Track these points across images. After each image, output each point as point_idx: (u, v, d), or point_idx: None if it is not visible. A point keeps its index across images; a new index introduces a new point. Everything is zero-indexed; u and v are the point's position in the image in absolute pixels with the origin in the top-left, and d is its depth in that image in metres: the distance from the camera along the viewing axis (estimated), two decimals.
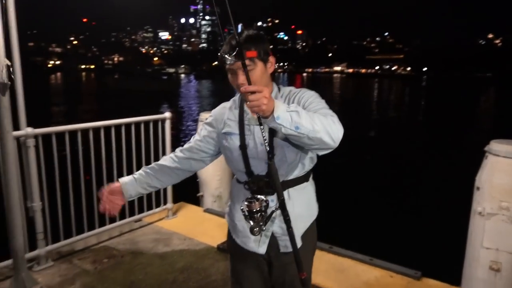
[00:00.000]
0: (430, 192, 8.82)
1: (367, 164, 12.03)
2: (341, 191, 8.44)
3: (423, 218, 7.12)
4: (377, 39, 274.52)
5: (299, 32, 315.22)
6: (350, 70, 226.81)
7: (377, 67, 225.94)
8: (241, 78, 1.51)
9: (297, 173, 1.65)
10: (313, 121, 1.32)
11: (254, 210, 1.45)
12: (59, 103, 32.01)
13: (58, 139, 3.20)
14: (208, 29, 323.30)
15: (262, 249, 1.68)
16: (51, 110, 26.02)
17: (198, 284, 2.98)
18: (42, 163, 3.10)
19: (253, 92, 1.26)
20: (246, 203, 1.47)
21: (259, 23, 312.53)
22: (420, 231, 6.28)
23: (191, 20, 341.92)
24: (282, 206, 1.44)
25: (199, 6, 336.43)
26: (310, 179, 1.76)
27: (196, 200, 4.74)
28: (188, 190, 4.95)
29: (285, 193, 1.62)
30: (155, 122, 4.02)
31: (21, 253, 2.79)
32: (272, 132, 1.56)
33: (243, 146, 1.63)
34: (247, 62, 1.43)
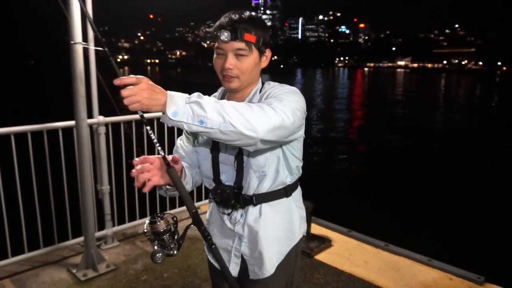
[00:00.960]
0: (495, 193, 8.27)
1: (426, 167, 11.50)
2: (400, 188, 8.18)
3: (487, 220, 6.71)
4: (446, 31, 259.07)
5: (362, 25, 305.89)
6: (415, 65, 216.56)
7: (444, 62, 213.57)
8: (230, 61, 1.30)
9: (269, 184, 1.39)
10: (224, 111, 1.07)
11: (161, 231, 1.20)
12: None
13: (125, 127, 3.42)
14: (269, 24, 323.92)
15: (233, 270, 1.45)
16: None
17: None
18: (111, 149, 3.35)
19: (126, 85, 1.04)
20: (148, 222, 1.21)
21: (320, 16, 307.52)
22: (484, 233, 5.94)
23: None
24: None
25: (260, 1, 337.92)
26: (295, 194, 1.48)
27: None
28: None
29: (256, 209, 1.41)
30: None
31: (92, 231, 3.04)
32: None
33: (214, 149, 1.42)
34: (242, 46, 1.29)
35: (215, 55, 1.34)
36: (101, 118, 3.19)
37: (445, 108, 29.53)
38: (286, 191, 1.43)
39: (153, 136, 1.16)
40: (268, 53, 1.40)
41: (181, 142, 1.53)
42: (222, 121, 1.06)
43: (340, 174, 10.14)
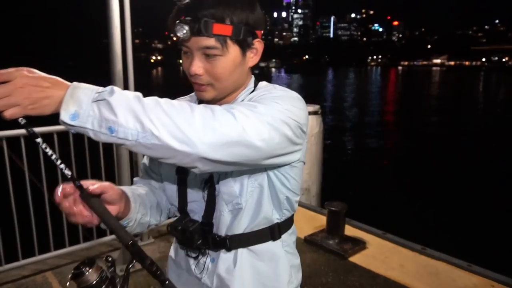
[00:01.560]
0: None
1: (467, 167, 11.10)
2: (437, 189, 7.94)
3: None
4: (486, 27, 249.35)
5: (395, 23, 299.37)
6: (451, 63, 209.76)
7: (483, 59, 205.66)
8: (197, 64, 0.94)
9: (247, 222, 1.02)
10: (145, 114, 0.74)
11: (93, 283, 0.85)
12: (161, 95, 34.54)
13: None
14: (300, 23, 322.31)
15: None
16: None
17: None
18: None
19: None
20: (70, 276, 0.85)
21: (353, 15, 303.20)
22: None
23: (284, 14, 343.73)
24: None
25: (292, 0, 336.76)
26: (286, 237, 1.10)
27: None
28: None
29: (230, 255, 1.04)
30: None
31: None
32: None
33: (181, 169, 1.06)
34: (212, 43, 0.90)
35: (182, 53, 0.98)
36: None
37: (485, 106, 28.41)
38: (272, 233, 1.05)
39: (50, 152, 0.80)
40: (258, 44, 0.99)
41: (146, 160, 1.19)
42: (141, 130, 0.74)
43: (374, 174, 9.94)
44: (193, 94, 1.13)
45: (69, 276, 0.85)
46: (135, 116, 0.74)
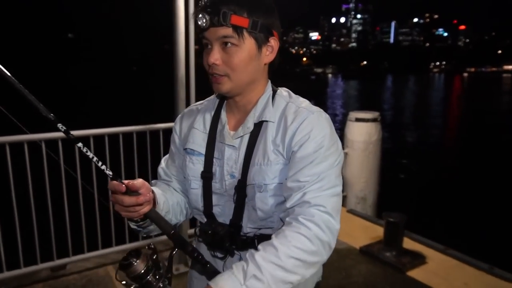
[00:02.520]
0: None
1: None
2: (506, 203, 7.37)
3: None
4: None
5: (462, 27, 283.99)
6: None
7: None
8: (215, 54, 1.00)
9: (276, 225, 1.06)
10: (285, 276, 0.89)
11: (141, 272, 0.90)
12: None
13: None
14: (359, 28, 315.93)
15: None
16: None
17: (339, 283, 2.97)
18: None
19: None
20: (119, 267, 0.92)
21: (415, 19, 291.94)
22: None
23: (342, 20, 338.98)
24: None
25: (351, 5, 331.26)
26: None
27: None
28: None
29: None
30: None
31: (185, 228, 3.21)
32: (247, 161, 1.05)
33: (206, 174, 1.11)
34: (229, 32, 0.97)
35: (204, 51, 1.05)
36: None
37: None
38: None
39: (91, 155, 0.93)
40: (273, 42, 1.05)
41: (164, 165, 1.24)
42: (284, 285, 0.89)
43: (436, 184, 9.43)
44: (210, 98, 1.19)
45: (118, 268, 0.91)
46: (279, 280, 0.88)
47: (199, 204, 1.13)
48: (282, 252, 0.89)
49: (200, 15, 0.97)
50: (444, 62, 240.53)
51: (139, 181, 0.96)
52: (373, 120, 4.45)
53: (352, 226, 4.02)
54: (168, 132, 3.25)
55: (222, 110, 1.13)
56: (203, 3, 0.99)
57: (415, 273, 3.08)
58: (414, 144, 16.11)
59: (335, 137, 1.04)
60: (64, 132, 0.89)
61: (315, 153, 0.99)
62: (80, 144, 0.90)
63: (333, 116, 24.06)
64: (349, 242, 3.61)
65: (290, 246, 0.90)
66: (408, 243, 3.48)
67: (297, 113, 1.04)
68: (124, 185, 0.93)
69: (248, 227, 1.07)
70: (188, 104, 3.03)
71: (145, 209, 0.97)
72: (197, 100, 1.31)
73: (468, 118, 24.71)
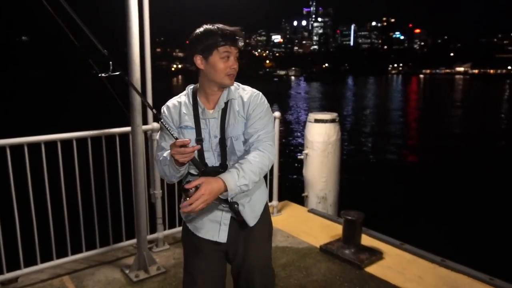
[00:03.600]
0: None
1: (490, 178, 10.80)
2: (458, 198, 7.73)
3: None
4: None
5: (417, 30, 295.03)
6: (475, 71, 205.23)
7: (509, 67, 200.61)
8: (236, 63, 1.69)
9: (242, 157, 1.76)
10: (255, 176, 1.64)
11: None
12: None
13: None
14: (320, 31, 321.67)
15: (222, 237, 1.79)
16: None
17: (299, 282, 3.01)
18: None
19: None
20: (185, 183, 1.66)
21: (373, 23, 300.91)
22: None
23: (304, 23, 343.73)
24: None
25: (312, 8, 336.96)
26: None
27: (300, 200, 4.79)
28: (293, 190, 5.03)
29: None
30: None
31: (144, 234, 3.14)
32: (223, 125, 1.72)
33: (199, 140, 1.73)
34: (238, 51, 1.69)
35: (217, 57, 1.65)
36: (155, 124, 3.30)
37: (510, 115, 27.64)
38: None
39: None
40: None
41: (165, 143, 1.78)
42: (253, 183, 1.67)
43: (392, 183, 9.76)
44: (183, 93, 1.82)
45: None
46: (253, 180, 1.66)
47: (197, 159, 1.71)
48: (255, 165, 1.65)
49: (240, 38, 1.65)
50: (401, 64, 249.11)
51: (186, 139, 1.58)
52: (332, 121, 4.55)
53: (312, 225, 4.09)
54: (125, 137, 3.18)
55: (198, 99, 1.75)
56: (237, 31, 1.65)
57: (373, 269, 3.17)
58: (373, 144, 16.58)
59: (268, 105, 1.79)
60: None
61: (261, 113, 1.74)
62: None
63: (296, 117, 24.42)
64: (310, 241, 3.67)
65: (258, 162, 1.66)
66: (366, 240, 3.58)
67: (248, 93, 1.78)
68: (181, 142, 1.55)
69: (230, 164, 1.74)
70: (144, 108, 2.99)
71: (192, 155, 1.58)
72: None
73: (425, 121, 25.64)
